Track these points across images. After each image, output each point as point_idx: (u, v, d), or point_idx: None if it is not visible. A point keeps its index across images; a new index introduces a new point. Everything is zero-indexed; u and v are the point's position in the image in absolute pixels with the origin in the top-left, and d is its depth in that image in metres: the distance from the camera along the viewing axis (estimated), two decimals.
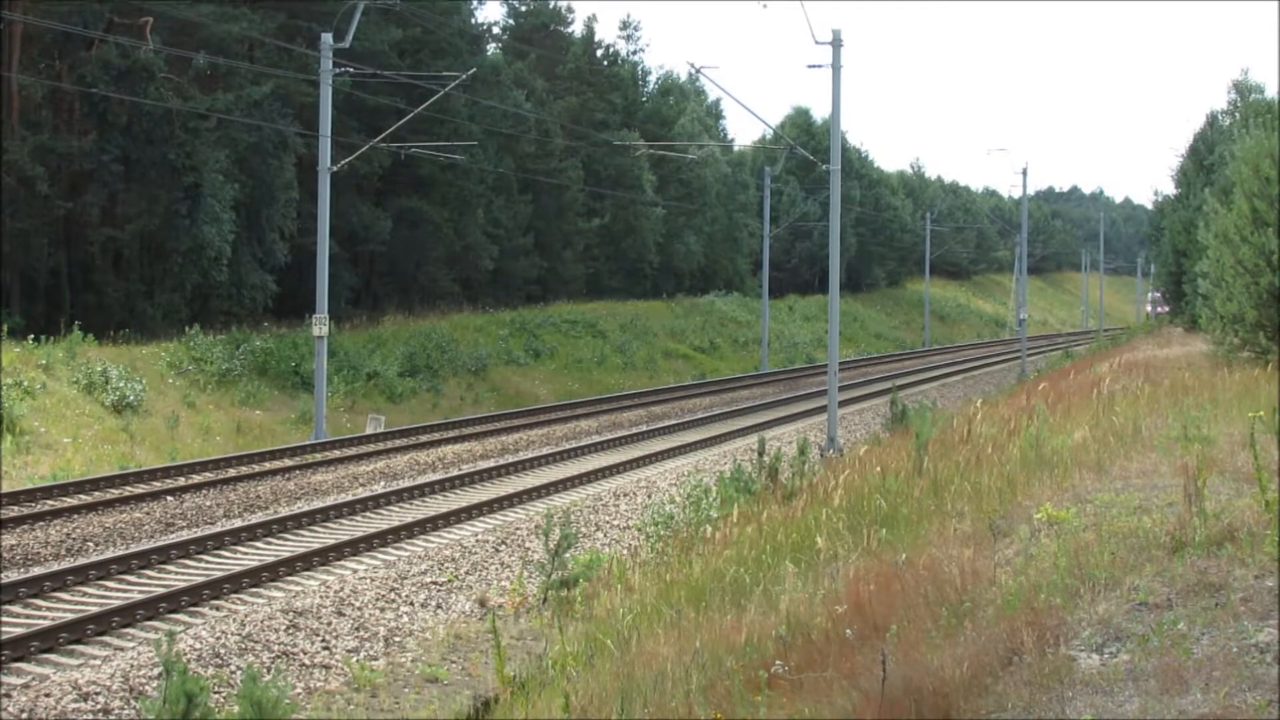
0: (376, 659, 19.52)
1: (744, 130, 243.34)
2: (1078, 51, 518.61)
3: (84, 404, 40.48)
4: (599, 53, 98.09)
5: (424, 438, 42.22)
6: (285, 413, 46.35)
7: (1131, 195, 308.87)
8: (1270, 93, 55.57)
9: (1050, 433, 22.82)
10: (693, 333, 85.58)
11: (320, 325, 42.73)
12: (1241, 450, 15.70)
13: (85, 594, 21.68)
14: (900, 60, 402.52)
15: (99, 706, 16.26)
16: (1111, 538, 12.63)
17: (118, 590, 21.96)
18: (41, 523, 27.21)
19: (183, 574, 23.15)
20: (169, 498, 30.70)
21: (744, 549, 19.80)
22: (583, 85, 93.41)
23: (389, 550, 25.41)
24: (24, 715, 15.79)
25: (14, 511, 27.72)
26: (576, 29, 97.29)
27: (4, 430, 36.28)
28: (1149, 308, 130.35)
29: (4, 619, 20.05)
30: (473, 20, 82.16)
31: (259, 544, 25.87)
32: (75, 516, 28.03)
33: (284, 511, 29.32)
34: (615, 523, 29.50)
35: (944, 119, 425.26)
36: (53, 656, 18.14)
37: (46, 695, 16.32)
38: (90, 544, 26.00)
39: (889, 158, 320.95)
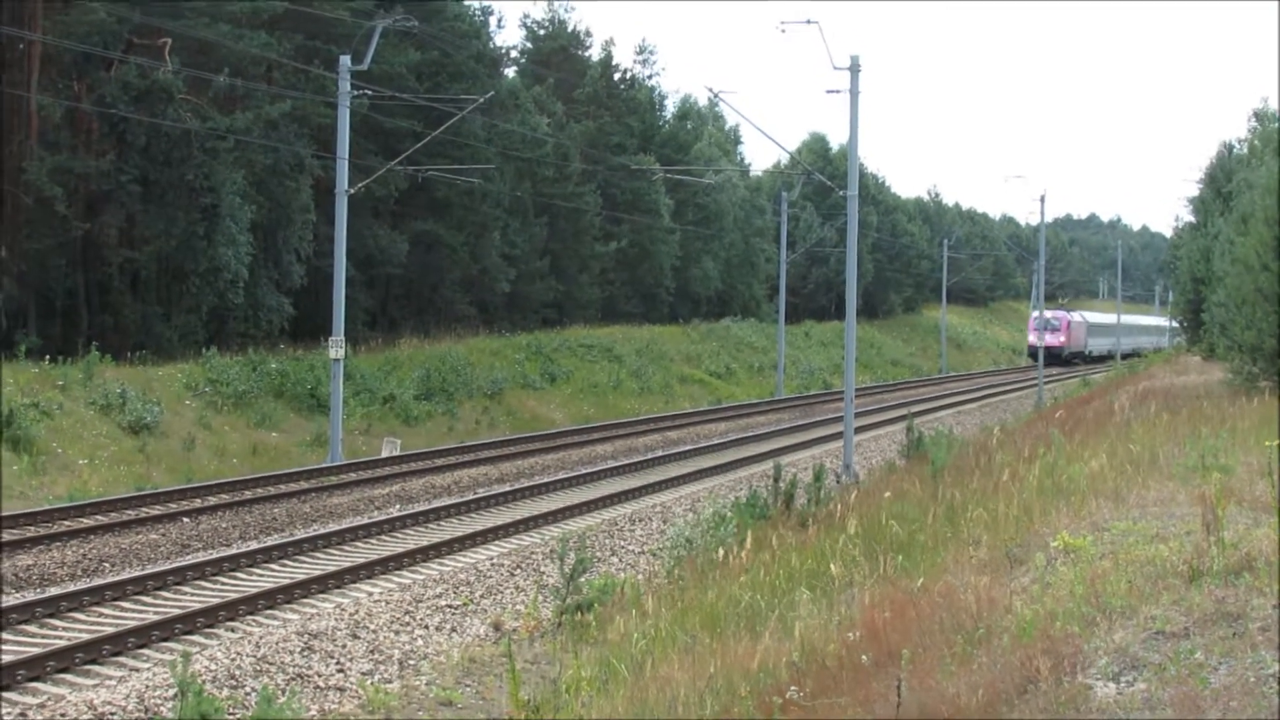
0: (391, 682, 19.54)
1: (761, 155, 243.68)
2: (1097, 78, 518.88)
3: (101, 425, 40.56)
4: (616, 76, 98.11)
5: (440, 461, 42.23)
6: (301, 435, 46.39)
7: (1149, 223, 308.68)
8: None
9: (1067, 461, 22.84)
10: (708, 358, 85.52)
11: (336, 348, 42.78)
12: (1260, 480, 15.73)
13: (101, 614, 21.72)
14: (918, 86, 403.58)
15: None
16: (1128, 566, 12.65)
17: (134, 611, 22.00)
18: (58, 543, 27.26)
19: (198, 595, 23.19)
20: (185, 519, 30.75)
21: (759, 575, 19.82)
22: (600, 109, 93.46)
23: (404, 573, 25.43)
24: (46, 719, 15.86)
25: (31, 532, 27.80)
26: (594, 53, 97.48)
27: (4, 449, 36.38)
28: (1032, 337, 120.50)
29: (20, 639, 20.12)
30: (491, 44, 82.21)
31: (274, 566, 25.90)
32: (91, 537, 28.08)
33: (300, 534, 29.37)
34: (630, 547, 29.51)
35: (962, 145, 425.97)
36: (68, 677, 18.18)
37: (62, 715, 16.36)
38: (106, 565, 26.06)
39: (906, 184, 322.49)
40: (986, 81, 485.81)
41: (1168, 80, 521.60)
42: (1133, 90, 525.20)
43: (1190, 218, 78.43)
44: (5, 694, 17.37)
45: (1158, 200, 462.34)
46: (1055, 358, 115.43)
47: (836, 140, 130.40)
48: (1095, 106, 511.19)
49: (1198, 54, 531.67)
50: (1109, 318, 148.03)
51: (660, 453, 46.17)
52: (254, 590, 23.06)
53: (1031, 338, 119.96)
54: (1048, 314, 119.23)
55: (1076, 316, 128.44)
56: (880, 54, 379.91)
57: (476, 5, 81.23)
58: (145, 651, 19.56)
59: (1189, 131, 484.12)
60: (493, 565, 26.45)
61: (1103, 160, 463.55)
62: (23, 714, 16.46)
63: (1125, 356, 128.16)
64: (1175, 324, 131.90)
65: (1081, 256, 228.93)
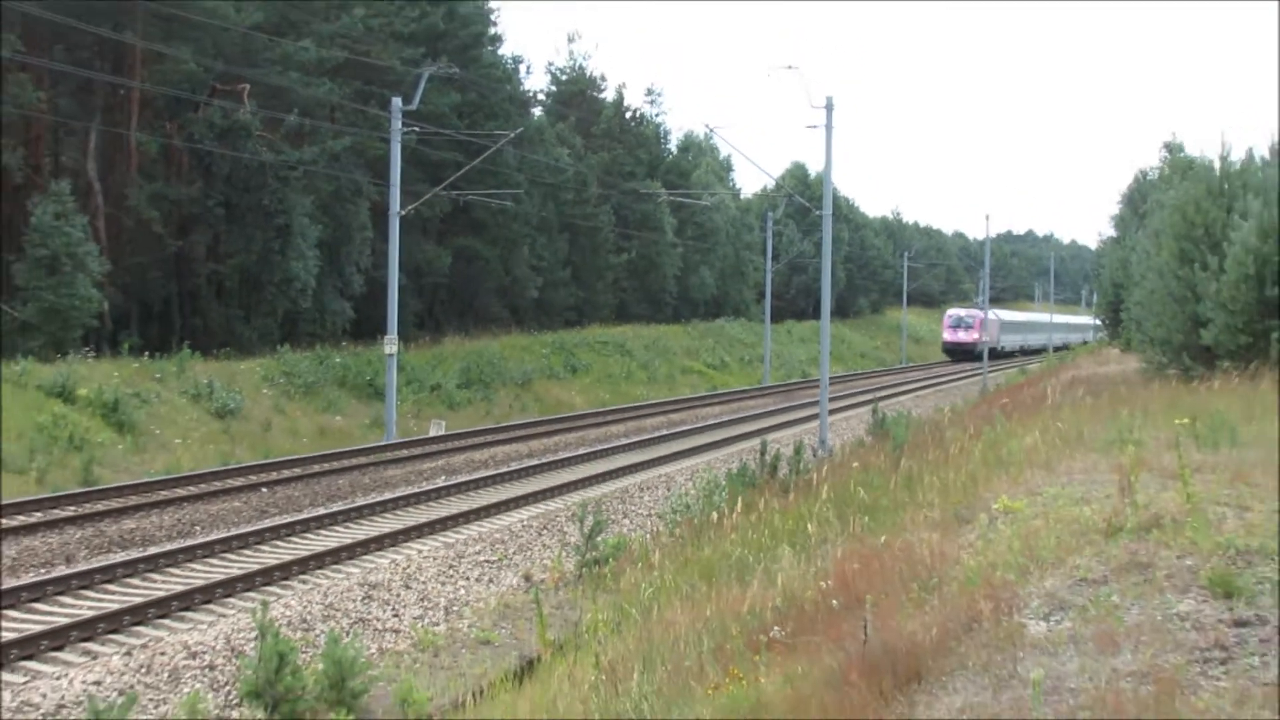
0: (438, 625, 19.61)
1: (750, 180, 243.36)
2: (1035, 114, 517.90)
3: (191, 411, 40.63)
4: (628, 115, 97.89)
5: (478, 440, 42.23)
6: (361, 418, 46.41)
7: (1077, 238, 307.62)
8: (1190, 153, 55.73)
9: (1006, 437, 22.83)
10: (706, 352, 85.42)
11: (391, 345, 42.87)
12: (1167, 451, 15.70)
13: (193, 569, 21.79)
14: (884, 118, 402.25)
15: (205, 663, 16.38)
16: (1057, 525, 12.66)
17: (220, 567, 22.07)
18: (157, 510, 27.32)
19: (275, 553, 23.25)
20: (263, 489, 30.79)
21: (747, 534, 19.85)
22: (614, 142, 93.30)
23: (448, 533, 25.47)
24: (142, 669, 15.90)
25: (134, 500, 27.87)
26: (609, 94, 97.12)
27: (110, 430, 36.48)
28: (946, 334, 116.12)
29: (127, 590, 20.20)
30: (521, 87, 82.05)
31: (339, 528, 25.96)
32: (185, 505, 28.15)
33: (360, 501, 29.42)
34: (639, 511, 29.55)
35: (920, 171, 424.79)
36: (167, 622, 18.26)
37: (162, 654, 16.44)
38: (198, 528, 26.13)
39: (872, 205, 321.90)
40: (943, 114, 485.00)
41: (1092, 115, 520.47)
42: (1063, 124, 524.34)
43: (1112, 232, 78.29)
44: (113, 636, 17.44)
45: (1084, 218, 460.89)
46: (969, 354, 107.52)
47: (814, 168, 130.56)
48: (1033, 138, 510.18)
49: (1118, 92, 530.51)
50: (1022, 315, 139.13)
51: (665, 432, 46.14)
52: (322, 548, 23.12)
53: (946, 335, 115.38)
54: (961, 312, 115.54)
55: (990, 314, 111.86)
56: (851, 90, 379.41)
57: (508, 54, 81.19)
58: (231, 600, 19.64)
59: (1109, 159, 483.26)
60: (523, 526, 26.50)
61: (1038, 184, 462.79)
62: (128, 653, 16.53)
63: (1037, 351, 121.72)
64: (1098, 322, 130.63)
65: (1020, 266, 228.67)
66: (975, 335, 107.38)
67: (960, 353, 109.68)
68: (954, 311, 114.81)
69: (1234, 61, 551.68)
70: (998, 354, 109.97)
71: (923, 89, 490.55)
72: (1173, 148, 60.65)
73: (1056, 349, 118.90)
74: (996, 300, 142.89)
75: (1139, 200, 63.00)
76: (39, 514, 25.89)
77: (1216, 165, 33.28)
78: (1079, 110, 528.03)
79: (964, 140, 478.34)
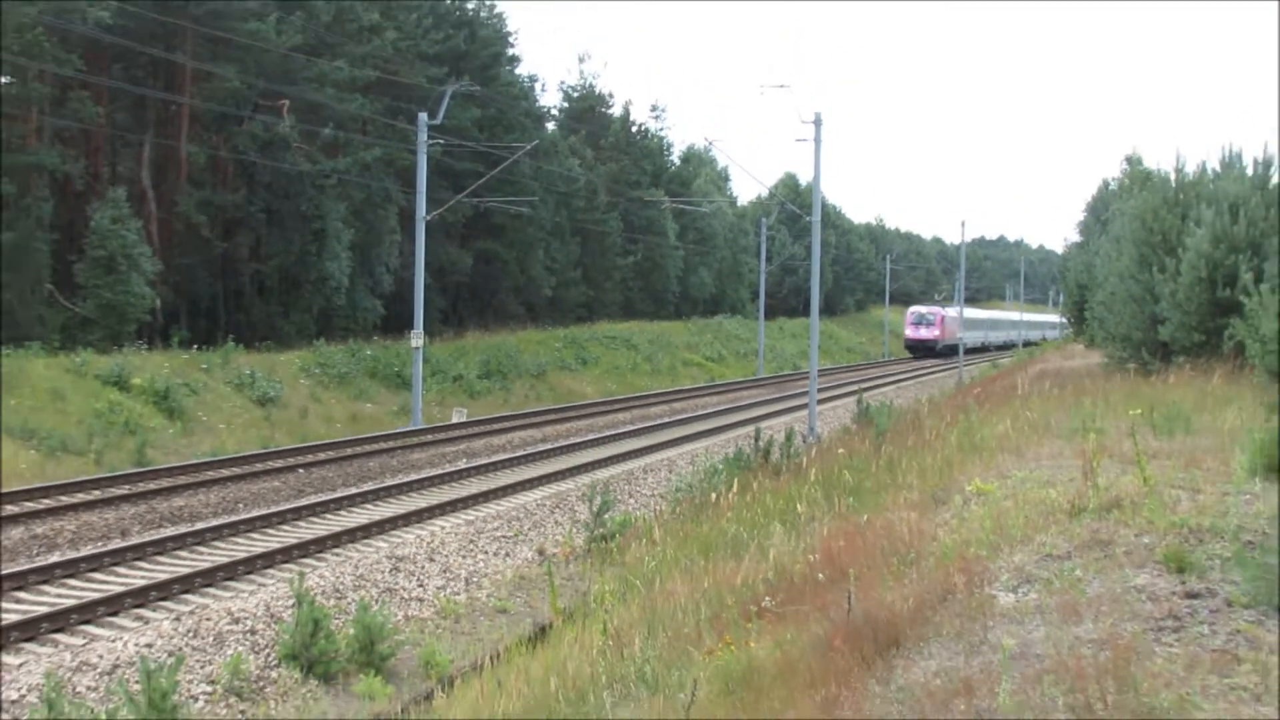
0: (459, 594, 19.64)
1: (746, 189, 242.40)
2: (1008, 129, 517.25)
3: (235, 398, 40.69)
4: (634, 129, 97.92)
5: (496, 426, 42.25)
6: (390, 406, 46.45)
7: (1045, 243, 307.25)
8: (1149, 165, 55.93)
9: (979, 425, 22.83)
10: (705, 346, 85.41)
11: (417, 338, 42.87)
12: (1126, 439, 15.71)
13: (236, 543, 21.84)
14: (868, 132, 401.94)
15: (247, 628, 16.41)
16: (1025, 505, 12.67)
17: (261, 540, 22.11)
18: (204, 489, 27.39)
19: (310, 528, 23.29)
20: (300, 470, 30.86)
21: (742, 512, 19.85)
22: (621, 154, 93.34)
23: (469, 511, 25.50)
24: (190, 634, 15.94)
25: (183, 480, 27.92)
26: (616, 110, 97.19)
27: (161, 416, 36.54)
28: (909, 331, 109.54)
29: (176, 561, 20.25)
30: (536, 104, 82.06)
31: (369, 506, 25.99)
32: (229, 484, 28.21)
33: (389, 481, 29.45)
34: (644, 491, 29.57)
35: (902, 180, 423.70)
36: (212, 590, 18.30)
37: (207, 619, 16.48)
38: (240, 505, 26.19)
39: (857, 211, 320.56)
40: (923, 127, 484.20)
41: (1060, 129, 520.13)
42: (1033, 137, 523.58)
43: (1077, 238, 78.65)
44: (164, 603, 17.47)
45: (1051, 225, 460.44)
46: (930, 350, 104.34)
47: (804, 178, 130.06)
48: (1005, 150, 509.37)
49: (1084, 108, 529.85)
50: (984, 313, 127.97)
51: (667, 419, 46.15)
52: (353, 524, 23.15)
53: (908, 331, 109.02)
54: (923, 309, 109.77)
55: (952, 311, 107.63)
56: (840, 104, 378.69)
57: (525, 74, 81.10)
58: (270, 571, 19.68)
59: (1075, 171, 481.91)
60: (537, 505, 26.53)
61: (1010, 193, 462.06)
62: (177, 618, 16.57)
63: (999, 348, 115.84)
64: (1061, 319, 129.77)
65: (993, 268, 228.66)
66: (937, 332, 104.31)
67: (922, 349, 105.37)
68: (916, 309, 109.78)
69: (1190, 81, 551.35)
70: (959, 350, 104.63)
71: (904, 104, 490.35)
72: (1133, 160, 60.99)
73: (1025, 344, 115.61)
74: (971, 300, 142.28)
75: (1101, 209, 63.31)
76: (97, 492, 25.96)
77: (1172, 177, 33.28)
78: (1048, 124, 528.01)
79: (942, 151, 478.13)
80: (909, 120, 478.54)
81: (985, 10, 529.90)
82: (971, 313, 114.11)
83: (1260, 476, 12.66)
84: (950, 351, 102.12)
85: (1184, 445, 15.33)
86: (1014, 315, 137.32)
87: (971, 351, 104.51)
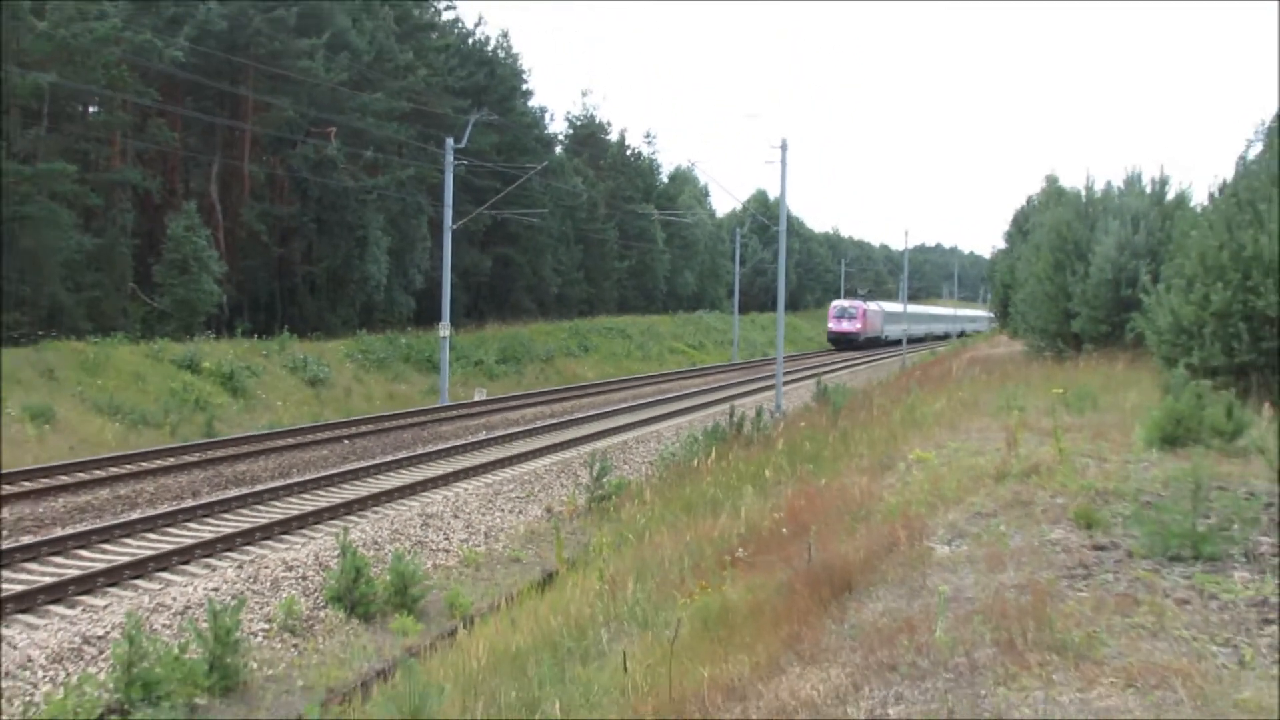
0: (479, 546, 19.64)
1: (723, 203, 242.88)
2: (944, 149, 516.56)
3: (290, 380, 40.66)
4: (629, 152, 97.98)
5: (512, 404, 42.28)
6: (421, 386, 46.39)
7: (976, 249, 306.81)
8: (1064, 184, 56.19)
9: (920, 403, 22.86)
10: (688, 336, 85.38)
11: (444, 329, 42.87)
12: (1044, 416, 15.74)
13: (290, 502, 21.83)
14: (828, 152, 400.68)
15: (299, 575, 16.41)
16: (958, 471, 12.69)
17: (311, 500, 22.10)
18: (263, 456, 27.39)
19: (353, 490, 23.27)
20: (345, 441, 30.85)
21: (719, 477, 19.87)
22: (617, 173, 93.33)
23: (488, 475, 25.50)
24: (250, 579, 15.92)
25: (245, 449, 27.92)
26: (614, 136, 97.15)
27: (226, 395, 36.52)
28: (831, 324, 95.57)
29: (239, 518, 20.23)
30: (545, 130, 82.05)
31: (403, 471, 25.99)
32: (285, 453, 28.22)
33: (420, 450, 29.43)
34: (636, 459, 29.56)
35: (855, 194, 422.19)
36: (269, 542, 18.30)
37: (265, 568, 16.47)
38: (294, 470, 26.17)
39: (817, 221, 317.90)
40: (875, 148, 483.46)
41: (989, 151, 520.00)
42: (967, 158, 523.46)
43: (1003, 245, 78.69)
44: (229, 554, 17.47)
45: (981, 233, 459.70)
46: (851, 343, 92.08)
47: (773, 193, 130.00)
48: (942, 169, 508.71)
49: (1009, 134, 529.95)
50: (907, 307, 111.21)
51: (655, 398, 46.10)
52: (389, 486, 23.16)
53: (830, 324, 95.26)
54: (844, 303, 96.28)
55: (873, 306, 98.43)
56: (804, 127, 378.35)
57: (536, 105, 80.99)
58: (319, 526, 19.68)
59: (1001, 187, 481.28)
60: (546, 470, 26.53)
61: (947, 205, 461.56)
62: (240, 566, 16.56)
63: (920, 340, 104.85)
64: (981, 313, 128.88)
65: (932, 270, 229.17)
66: (858, 325, 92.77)
67: (844, 341, 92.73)
68: (838, 302, 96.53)
69: (1101, 109, 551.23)
70: (881, 343, 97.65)
71: (860, 128, 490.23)
72: (1051, 179, 61.17)
73: (945, 336, 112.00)
74: (912, 298, 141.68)
75: (1024, 220, 63.50)
76: (171, 459, 25.95)
77: (1083, 194, 33.37)
78: (981, 147, 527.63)
79: (890, 169, 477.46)
80: (863, 142, 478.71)
81: (931, 49, 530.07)
82: (894, 307, 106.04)
83: (1156, 447, 12.69)
84: (871, 344, 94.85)
85: (1092, 421, 15.37)
86: (936, 310, 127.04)
87: (895, 344, 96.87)
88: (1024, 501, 10.75)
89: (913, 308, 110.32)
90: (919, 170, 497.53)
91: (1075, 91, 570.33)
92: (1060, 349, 30.86)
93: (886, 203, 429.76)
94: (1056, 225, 32.71)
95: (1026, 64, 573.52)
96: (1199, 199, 31.02)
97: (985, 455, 13.37)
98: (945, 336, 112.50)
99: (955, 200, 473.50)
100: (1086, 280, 29.47)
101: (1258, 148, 51.50)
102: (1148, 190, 31.49)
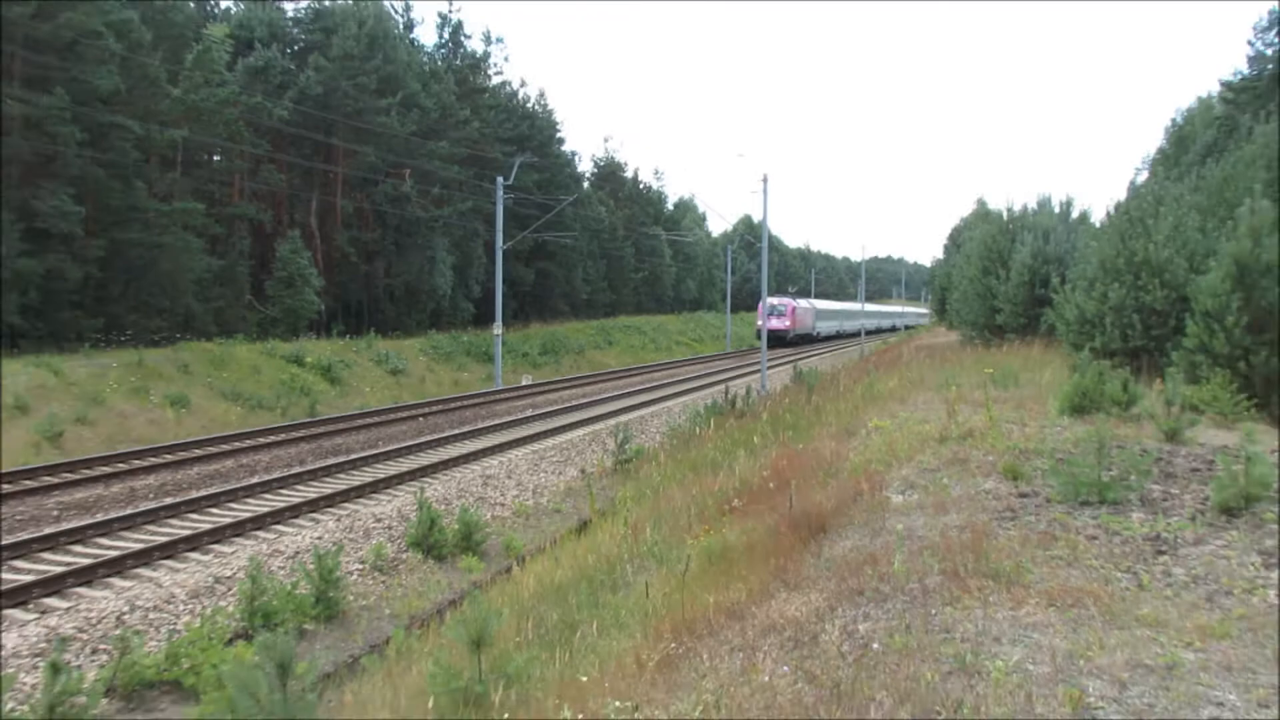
0: (528, 500, 19.63)
1: (717, 225, 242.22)
2: (893, 175, 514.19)
3: (375, 370, 40.71)
4: (641, 186, 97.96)
5: (552, 387, 42.24)
6: (479, 374, 46.42)
7: (919, 259, 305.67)
8: (990, 205, 56.15)
9: (877, 382, 22.78)
10: (691, 331, 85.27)
11: (497, 328, 42.88)
12: (977, 390, 15.68)
13: (378, 468, 21.85)
14: (802, 178, 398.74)
15: (386, 525, 16.43)
16: (909, 435, 12.64)
17: (395, 467, 22.11)
18: (355, 432, 27.43)
19: (428, 458, 23.28)
20: (420, 418, 30.88)
21: (718, 443, 19.85)
22: (632, 203, 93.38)
23: (534, 444, 25.49)
24: (346, 530, 15.96)
25: (341, 426, 27.97)
26: (629, 173, 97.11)
27: (326, 383, 36.58)
28: (760, 321, 70.10)
29: (337, 481, 20.27)
30: (576, 169, 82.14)
31: (466, 442, 25.99)
32: (373, 429, 28.24)
33: (479, 425, 29.41)
34: (650, 430, 29.49)
35: (822, 212, 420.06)
36: (361, 500, 18.33)
37: (358, 520, 16.50)
38: (380, 442, 26.19)
39: (792, 238, 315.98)
40: (838, 176, 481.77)
41: (931, 178, 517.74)
42: (913, 185, 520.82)
43: (941, 255, 78.63)
44: (329, 509, 17.51)
45: (924, 246, 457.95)
46: (781, 340, 74.42)
47: (757, 217, 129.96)
48: (892, 192, 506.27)
49: (944, 162, 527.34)
50: (839, 305, 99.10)
51: (666, 381, 45.99)
52: (456, 454, 23.17)
53: (759, 321, 69.18)
54: (774, 300, 76.54)
55: (804, 303, 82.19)
56: (783, 156, 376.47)
57: (569, 150, 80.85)
58: (401, 487, 19.70)
59: (940, 207, 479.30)
60: (580, 439, 26.50)
61: (896, 221, 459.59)
62: (338, 519, 16.59)
63: (853, 335, 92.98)
64: (918, 310, 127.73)
65: (884, 277, 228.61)
66: (788, 322, 75.62)
67: (773, 339, 73.79)
68: (769, 300, 71.98)
69: (1020, 144, 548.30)
70: (814, 339, 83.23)
71: (830, 158, 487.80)
72: (980, 202, 61.45)
73: (879, 331, 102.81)
74: (870, 299, 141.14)
75: (958, 235, 63.43)
76: (282, 435, 26.01)
77: (1005, 214, 33.22)
78: (924, 175, 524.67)
79: (851, 192, 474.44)
80: (831, 170, 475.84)
81: (883, 93, 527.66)
82: (824, 304, 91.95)
83: (1067, 415, 12.63)
84: (802, 341, 79.19)
85: (1015, 394, 15.30)
86: (871, 307, 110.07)
87: (829, 339, 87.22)
88: (962, 459, 10.71)
89: (846, 305, 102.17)
90: (875, 194, 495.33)
91: (1000, 130, 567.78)
92: (988, 338, 30.70)
93: (848, 220, 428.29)
94: (984, 239, 32.61)
95: (960, 109, 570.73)
96: (1098, 216, 31.03)
97: (930, 423, 13.32)
98: (893, 329, 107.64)
99: (903, 218, 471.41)
100: (1008, 282, 29.35)
101: (1144, 175, 51.41)
102: (1056, 210, 31.37)
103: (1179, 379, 12.28)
